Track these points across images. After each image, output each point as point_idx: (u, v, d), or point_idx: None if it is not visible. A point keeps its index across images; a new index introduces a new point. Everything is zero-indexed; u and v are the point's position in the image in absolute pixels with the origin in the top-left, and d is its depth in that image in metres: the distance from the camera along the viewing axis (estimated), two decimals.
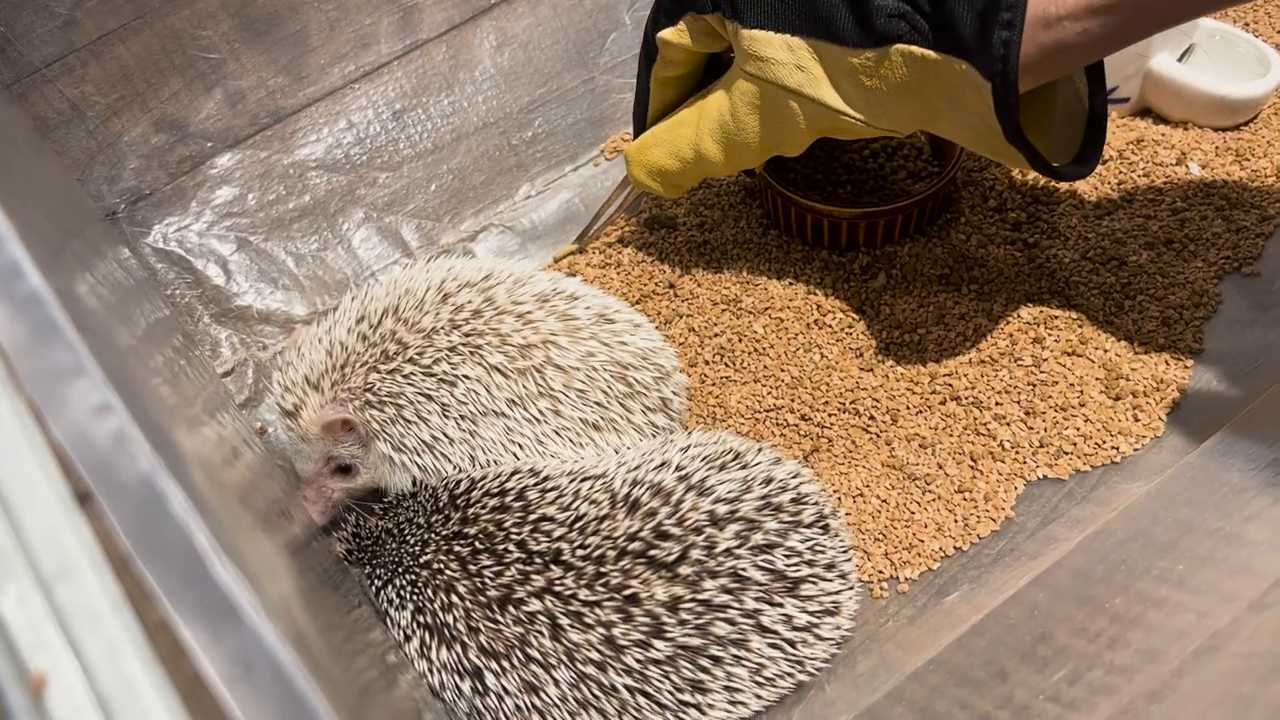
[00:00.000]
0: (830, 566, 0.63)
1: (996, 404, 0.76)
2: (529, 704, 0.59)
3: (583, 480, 0.63)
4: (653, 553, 0.59)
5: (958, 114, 0.63)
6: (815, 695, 0.64)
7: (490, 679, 0.59)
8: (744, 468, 0.64)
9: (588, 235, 0.89)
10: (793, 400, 0.78)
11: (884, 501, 0.73)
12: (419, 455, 0.68)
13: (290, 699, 0.28)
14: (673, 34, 0.71)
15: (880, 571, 0.70)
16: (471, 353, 0.67)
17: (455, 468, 0.68)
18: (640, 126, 0.79)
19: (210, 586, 0.29)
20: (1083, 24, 0.57)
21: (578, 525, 0.60)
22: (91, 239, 0.63)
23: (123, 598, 0.31)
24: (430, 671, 0.61)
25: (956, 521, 0.71)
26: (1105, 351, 0.77)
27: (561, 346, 0.68)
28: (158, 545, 0.30)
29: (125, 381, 0.33)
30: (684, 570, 0.59)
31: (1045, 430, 0.74)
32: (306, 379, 0.68)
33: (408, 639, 0.62)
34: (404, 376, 0.67)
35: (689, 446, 0.65)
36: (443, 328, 0.67)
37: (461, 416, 0.67)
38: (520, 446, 0.68)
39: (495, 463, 0.68)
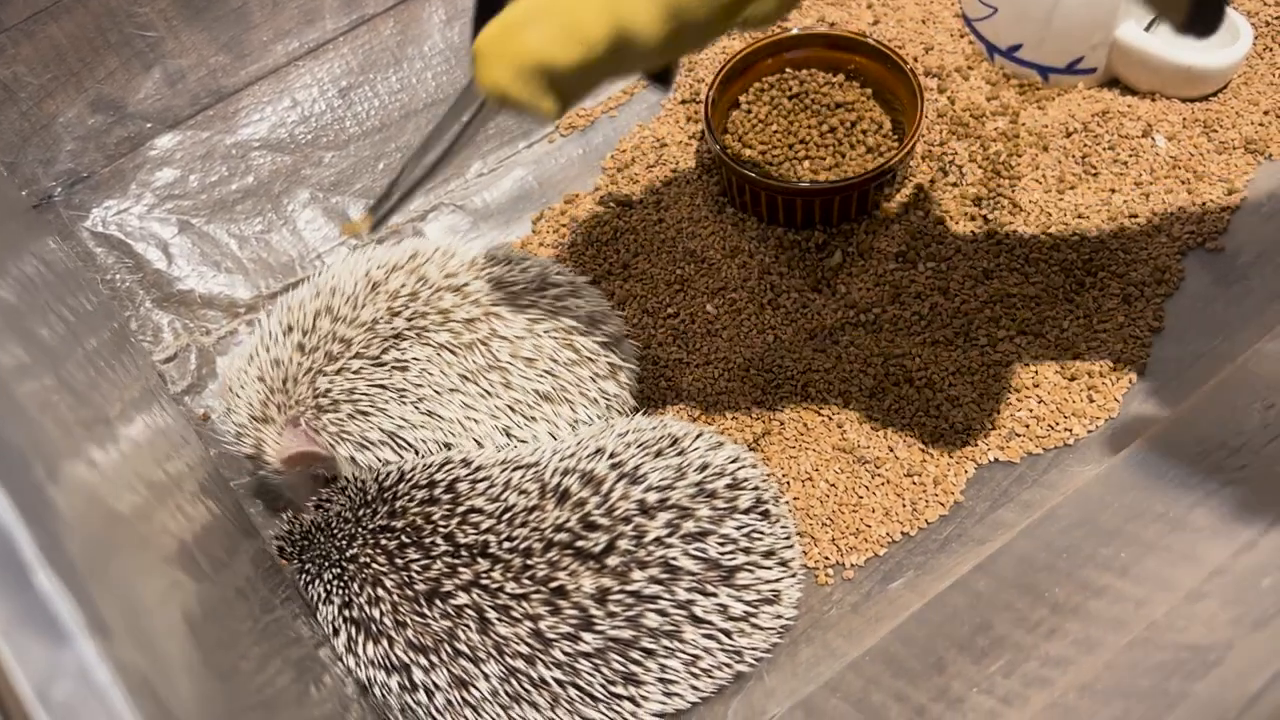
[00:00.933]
0: (769, 554, 0.62)
1: (950, 385, 0.74)
2: (459, 699, 0.58)
3: (514, 469, 0.61)
4: (580, 544, 0.57)
5: None
6: (755, 685, 0.63)
7: (418, 674, 0.58)
8: (680, 454, 0.62)
9: (391, 200, 0.57)
10: (744, 383, 0.76)
11: (832, 485, 0.71)
12: (381, 449, 0.67)
13: (107, 718, 0.26)
14: None
15: (826, 558, 0.69)
16: (418, 335, 0.66)
17: (419, 455, 0.67)
18: (486, 8, 0.47)
19: (30, 599, 0.28)
20: None
21: (506, 517, 0.59)
22: (7, 236, 0.62)
23: None
24: (358, 667, 0.60)
25: (905, 506, 0.70)
26: (1063, 331, 0.75)
27: (504, 317, 0.67)
28: None
29: None
30: (612, 561, 0.57)
31: (998, 412, 0.72)
32: (252, 418, 0.66)
33: (335, 633, 0.60)
34: (354, 372, 0.66)
35: (627, 432, 0.64)
36: (382, 316, 0.66)
37: (419, 399, 0.66)
38: (477, 423, 0.67)
39: (452, 445, 0.67)
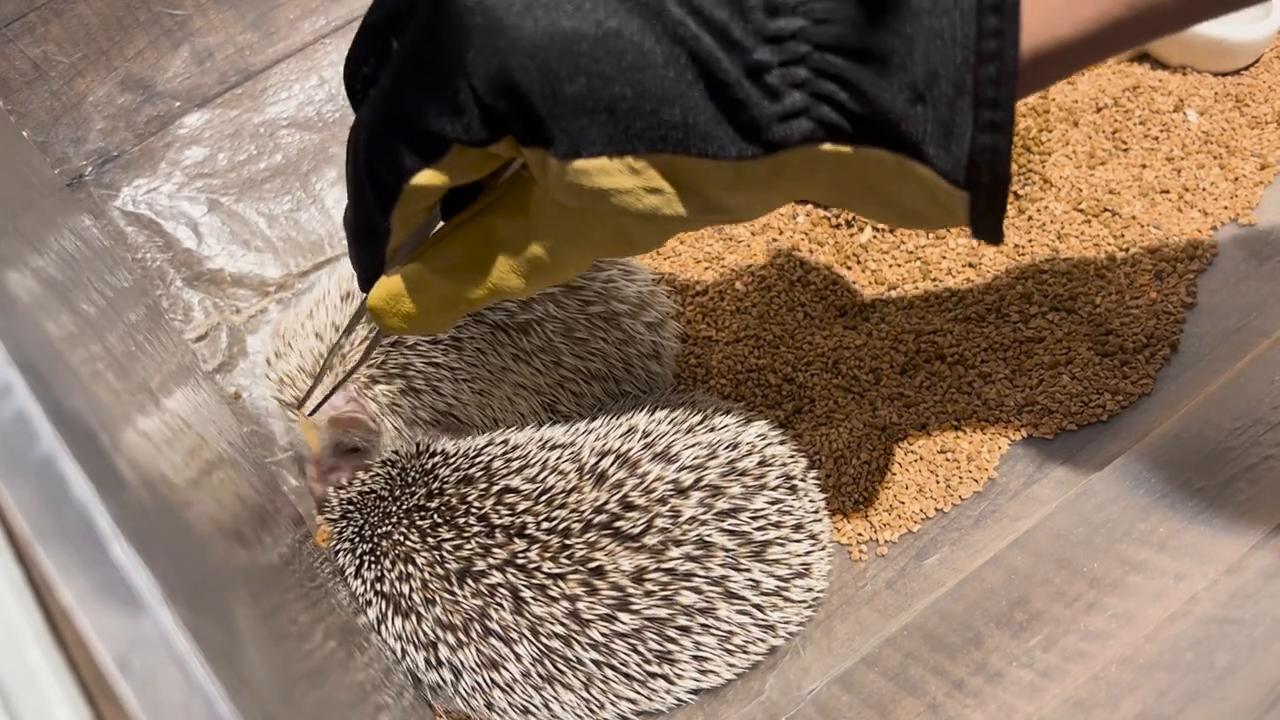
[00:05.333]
0: (798, 527, 0.62)
1: (982, 362, 0.74)
2: (488, 680, 0.58)
3: (550, 449, 0.62)
4: (618, 524, 0.58)
5: (883, 202, 0.44)
6: (791, 661, 0.63)
7: (444, 651, 0.58)
8: (710, 431, 0.62)
9: (316, 396, 0.66)
10: (774, 360, 0.76)
11: (865, 463, 0.71)
12: (431, 426, 0.67)
13: (186, 685, 0.27)
14: (432, 177, 0.47)
15: (859, 534, 0.69)
16: (472, 313, 0.66)
17: (467, 434, 0.67)
18: (373, 270, 0.53)
19: (108, 570, 0.28)
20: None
21: (544, 498, 0.59)
22: (45, 211, 0.62)
23: (24, 582, 0.30)
24: (388, 641, 0.60)
25: (938, 483, 0.70)
26: (1095, 307, 0.75)
27: (558, 299, 0.67)
28: (56, 528, 0.29)
29: (38, 365, 0.32)
30: (649, 540, 0.58)
31: (1031, 389, 0.72)
32: (301, 369, 0.66)
33: (368, 605, 0.61)
34: (409, 347, 0.66)
35: (656, 409, 0.64)
36: None
37: (472, 379, 0.66)
38: (525, 400, 0.67)
39: (502, 422, 0.67)
